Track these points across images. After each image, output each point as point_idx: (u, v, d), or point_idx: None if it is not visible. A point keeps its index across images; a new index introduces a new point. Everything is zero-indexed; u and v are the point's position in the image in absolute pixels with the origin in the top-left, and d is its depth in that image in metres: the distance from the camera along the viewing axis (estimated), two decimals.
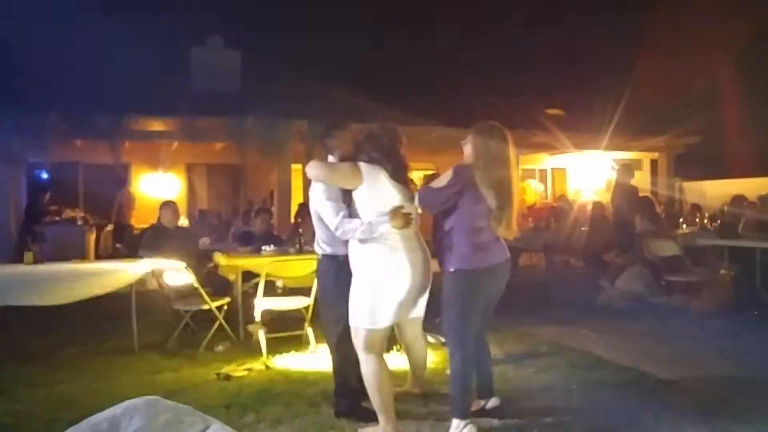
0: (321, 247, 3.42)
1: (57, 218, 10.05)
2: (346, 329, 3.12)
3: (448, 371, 3.67)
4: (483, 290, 3.12)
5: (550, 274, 8.96)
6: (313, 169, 3.19)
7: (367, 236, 3.00)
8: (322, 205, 3.20)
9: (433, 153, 11.23)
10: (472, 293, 3.08)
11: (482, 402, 3.36)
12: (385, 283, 3.01)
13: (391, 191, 3.07)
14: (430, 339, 4.31)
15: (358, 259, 3.09)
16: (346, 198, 3.15)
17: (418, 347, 3.52)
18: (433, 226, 3.32)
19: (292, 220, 9.70)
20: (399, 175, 3.13)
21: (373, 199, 3.06)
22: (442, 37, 15.46)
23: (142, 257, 5.58)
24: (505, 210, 3.07)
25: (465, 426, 2.98)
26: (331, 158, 3.40)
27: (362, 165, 3.11)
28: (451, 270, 3.09)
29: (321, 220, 3.28)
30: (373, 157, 3.13)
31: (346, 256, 3.21)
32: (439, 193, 3.12)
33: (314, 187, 3.27)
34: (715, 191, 11.84)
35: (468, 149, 3.19)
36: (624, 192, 8.06)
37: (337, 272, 3.30)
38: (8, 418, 3.46)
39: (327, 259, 3.39)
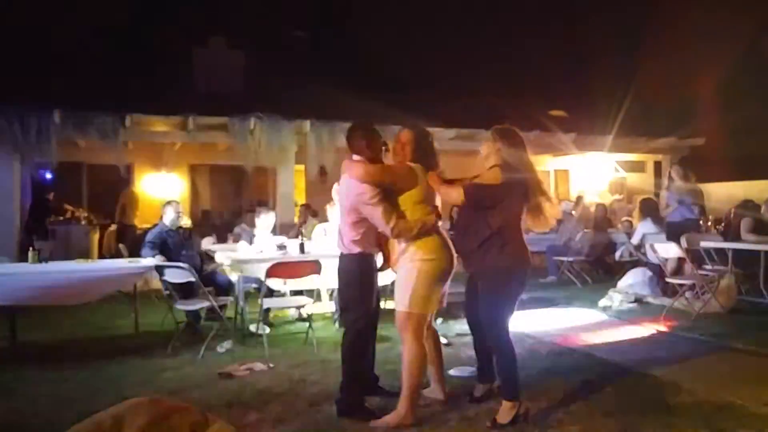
0: (347, 246, 3.39)
1: (61, 218, 10.08)
2: (366, 327, 3.17)
3: (451, 371, 3.73)
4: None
5: (552, 276, 8.95)
6: (360, 169, 3.20)
7: (422, 234, 3.18)
8: (369, 207, 3.19)
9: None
10: (521, 290, 3.35)
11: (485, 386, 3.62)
12: (439, 272, 3.20)
13: (432, 189, 3.30)
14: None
15: (412, 252, 3.21)
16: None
17: (433, 341, 3.54)
18: (457, 222, 3.56)
19: (295, 220, 9.72)
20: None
21: (424, 198, 3.24)
22: (444, 38, 15.45)
23: (145, 257, 5.60)
24: (541, 205, 3.31)
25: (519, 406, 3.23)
26: (356, 158, 3.36)
27: (416, 166, 3.25)
28: (504, 267, 3.24)
29: (357, 220, 3.29)
30: (423, 157, 3.30)
31: (371, 255, 3.41)
32: (490, 191, 3.23)
33: (356, 188, 3.23)
34: (719, 194, 11.80)
35: (490, 149, 3.35)
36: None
37: (363, 271, 3.36)
38: (13, 416, 3.48)
39: (353, 258, 3.37)
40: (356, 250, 3.35)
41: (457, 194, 3.24)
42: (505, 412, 3.20)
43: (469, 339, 5.07)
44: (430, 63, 14.28)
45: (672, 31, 14.08)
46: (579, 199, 11.41)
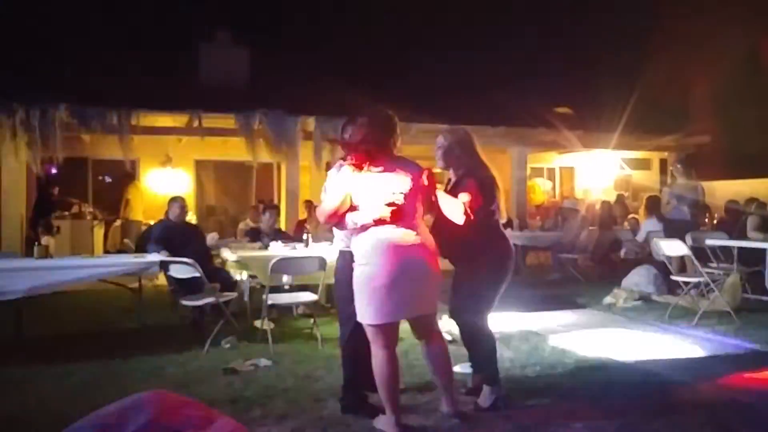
0: (343, 242, 3.39)
1: (66, 213, 10.12)
2: (359, 325, 3.10)
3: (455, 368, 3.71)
4: None
5: (556, 273, 8.94)
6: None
7: (358, 231, 3.12)
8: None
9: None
10: (506, 280, 3.46)
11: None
12: (369, 280, 2.99)
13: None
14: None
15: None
16: None
17: (431, 351, 3.18)
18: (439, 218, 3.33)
19: (300, 216, 9.74)
20: None
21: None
22: (449, 36, 15.40)
23: (149, 252, 5.61)
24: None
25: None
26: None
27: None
28: (498, 258, 3.38)
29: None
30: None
31: None
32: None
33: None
34: (725, 191, 11.74)
35: (448, 151, 3.47)
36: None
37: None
38: (17, 410, 3.50)
39: (347, 254, 3.31)
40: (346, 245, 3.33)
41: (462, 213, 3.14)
42: (486, 396, 3.36)
43: None
44: (434, 59, 14.22)
45: (679, 27, 13.99)
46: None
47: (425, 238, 3.06)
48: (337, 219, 3.10)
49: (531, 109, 10.54)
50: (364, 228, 3.00)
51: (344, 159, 3.18)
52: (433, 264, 3.04)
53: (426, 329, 3.16)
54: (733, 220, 7.93)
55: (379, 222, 2.96)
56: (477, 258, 3.38)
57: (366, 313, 3.00)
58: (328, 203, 3.12)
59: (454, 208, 3.11)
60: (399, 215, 2.96)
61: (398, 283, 2.93)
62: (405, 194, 2.99)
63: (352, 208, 3.05)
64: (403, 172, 3.02)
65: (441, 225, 3.25)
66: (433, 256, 3.07)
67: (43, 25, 12.11)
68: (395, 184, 2.99)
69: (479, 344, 3.44)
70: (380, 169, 3.00)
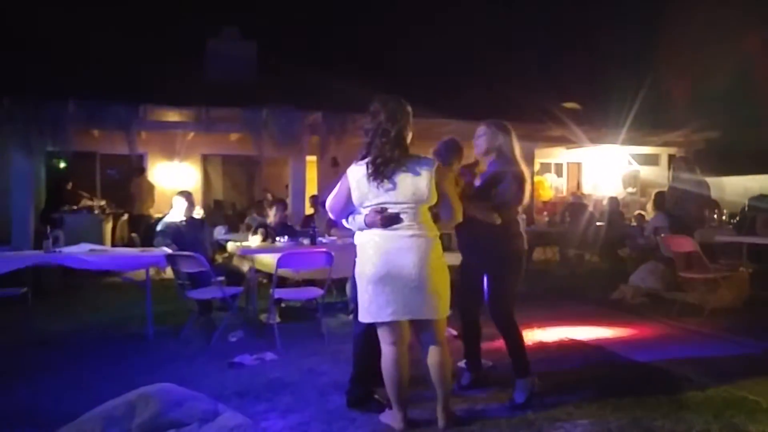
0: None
1: (75, 207, 10.18)
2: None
3: (459, 363, 3.72)
4: None
5: (564, 269, 8.92)
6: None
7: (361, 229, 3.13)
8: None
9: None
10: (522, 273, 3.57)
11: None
12: (363, 276, 3.02)
13: None
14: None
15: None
16: None
17: (431, 360, 3.05)
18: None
19: (306, 211, 9.76)
20: None
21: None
22: (457, 29, 15.35)
23: (157, 246, 5.65)
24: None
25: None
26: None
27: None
28: (513, 252, 3.47)
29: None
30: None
31: None
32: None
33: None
34: (734, 188, 11.64)
35: (492, 140, 3.51)
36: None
37: None
38: (27, 402, 3.53)
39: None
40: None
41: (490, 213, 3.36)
42: (519, 390, 3.39)
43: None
44: (442, 54, 14.18)
45: (688, 21, 13.85)
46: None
47: (431, 238, 2.97)
48: (344, 217, 3.12)
49: (539, 105, 10.49)
50: (361, 228, 3.02)
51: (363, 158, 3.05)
52: (434, 267, 2.93)
53: (427, 336, 3.04)
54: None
55: (372, 225, 2.93)
56: (502, 253, 3.46)
57: (360, 310, 3.04)
58: (332, 202, 3.14)
59: (484, 210, 3.30)
60: (393, 221, 2.90)
61: (390, 283, 2.89)
62: (407, 198, 2.90)
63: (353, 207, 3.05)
64: (411, 173, 2.91)
65: (465, 222, 3.28)
66: (438, 260, 2.97)
67: (52, 20, 12.17)
68: (400, 189, 2.90)
69: (512, 336, 3.49)
70: (390, 169, 2.90)
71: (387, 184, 2.90)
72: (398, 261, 2.90)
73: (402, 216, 2.92)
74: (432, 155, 3.43)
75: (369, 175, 2.92)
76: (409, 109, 3.06)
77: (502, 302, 3.47)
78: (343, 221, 3.16)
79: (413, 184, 2.91)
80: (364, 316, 3.02)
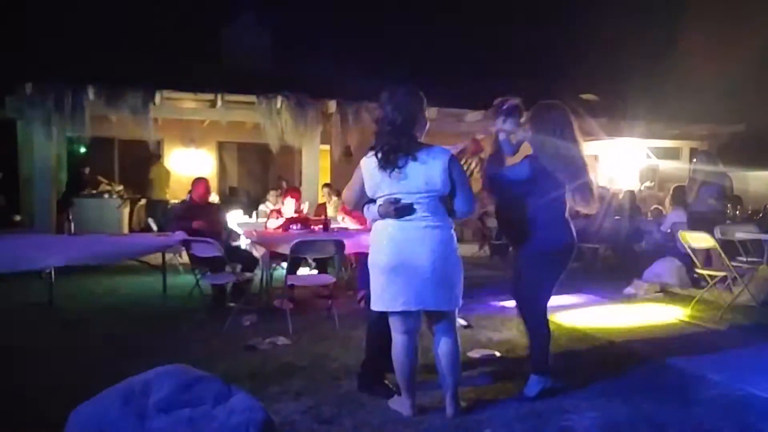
0: (370, 224, 3.40)
1: (93, 191, 10.33)
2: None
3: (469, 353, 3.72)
4: None
5: (577, 262, 8.85)
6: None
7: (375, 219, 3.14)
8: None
9: (459, 137, 11.15)
10: (562, 271, 3.40)
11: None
12: (375, 265, 3.03)
13: None
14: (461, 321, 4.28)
15: None
16: None
17: (440, 350, 3.05)
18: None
19: (319, 199, 9.79)
20: None
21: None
22: (474, 20, 15.22)
23: (173, 231, 5.72)
24: None
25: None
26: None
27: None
28: (548, 248, 3.32)
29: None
30: None
31: None
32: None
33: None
34: (759, 183, 11.44)
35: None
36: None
37: None
38: (48, 379, 3.63)
39: None
40: None
41: None
42: (532, 384, 3.35)
43: (488, 323, 5.12)
44: (457, 44, 14.09)
45: (710, 10, 13.56)
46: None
47: (446, 229, 2.96)
48: (360, 207, 3.14)
49: (556, 96, 10.35)
50: (375, 218, 3.03)
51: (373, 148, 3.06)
52: (447, 258, 2.93)
53: (439, 326, 3.04)
54: None
55: (386, 216, 2.93)
56: (538, 242, 3.32)
57: (373, 298, 3.06)
58: (348, 192, 3.17)
59: None
60: (407, 211, 2.90)
61: (402, 274, 2.89)
62: (420, 189, 2.89)
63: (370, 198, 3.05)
64: (422, 163, 2.88)
65: (504, 210, 3.33)
66: (452, 253, 2.96)
67: (71, 8, 12.27)
68: (412, 179, 2.89)
69: (537, 333, 3.41)
70: (400, 159, 2.88)
71: (398, 174, 2.90)
72: (411, 251, 2.91)
73: (415, 206, 2.91)
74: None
75: (380, 165, 2.92)
76: (422, 96, 3.03)
77: (530, 298, 3.43)
78: (364, 211, 3.17)
79: (425, 174, 2.89)
80: (377, 304, 3.04)
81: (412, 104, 2.98)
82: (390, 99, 2.97)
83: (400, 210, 2.90)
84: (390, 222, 2.95)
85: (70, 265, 4.89)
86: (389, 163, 2.90)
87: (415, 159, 2.90)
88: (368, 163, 3.00)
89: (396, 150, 2.90)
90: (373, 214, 3.04)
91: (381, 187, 2.95)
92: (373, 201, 3.05)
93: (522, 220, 3.31)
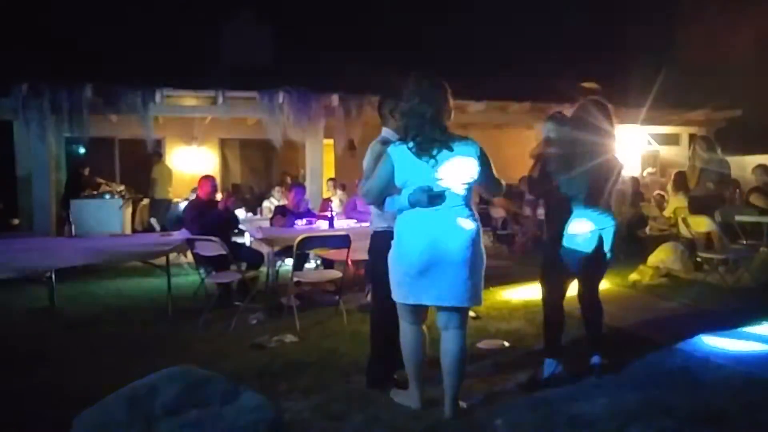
0: (374, 222, 3.42)
1: (95, 192, 10.32)
2: (393, 304, 3.05)
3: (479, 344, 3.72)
4: None
5: None
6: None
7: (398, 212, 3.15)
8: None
9: (465, 128, 11.11)
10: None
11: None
12: (398, 258, 2.99)
13: None
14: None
15: None
16: None
17: (447, 342, 2.98)
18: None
19: (324, 195, 9.78)
20: None
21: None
22: (475, 9, 15.11)
23: (179, 230, 5.72)
24: None
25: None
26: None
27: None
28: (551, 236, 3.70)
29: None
30: None
31: None
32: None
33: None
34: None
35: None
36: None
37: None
38: (51, 382, 3.64)
39: (381, 234, 3.32)
40: (383, 225, 3.34)
41: None
42: (544, 367, 3.56)
43: (498, 313, 5.12)
44: (458, 34, 13.99)
45: None
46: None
47: (476, 220, 2.95)
48: (381, 200, 3.06)
49: (557, 84, 10.32)
50: (401, 210, 2.98)
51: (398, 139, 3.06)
52: (476, 251, 2.90)
53: (449, 320, 2.96)
54: None
55: (417, 204, 2.88)
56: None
57: (393, 291, 3.01)
58: (370, 184, 3.07)
59: None
60: (439, 199, 2.88)
61: (424, 268, 2.86)
62: (453, 178, 2.89)
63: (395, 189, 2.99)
64: (457, 153, 2.89)
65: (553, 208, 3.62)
66: (480, 244, 2.95)
67: (68, 5, 12.22)
68: (446, 169, 2.88)
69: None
70: (434, 149, 2.87)
71: (432, 163, 2.88)
72: (443, 241, 2.86)
73: (447, 195, 2.90)
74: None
75: (415, 154, 2.89)
76: (446, 85, 3.01)
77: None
78: (387, 203, 3.06)
79: (459, 164, 2.89)
80: (395, 296, 3.00)
81: (440, 95, 2.97)
82: (417, 91, 2.95)
83: (433, 198, 2.87)
84: (422, 211, 2.90)
85: (72, 266, 4.89)
86: (424, 152, 2.88)
87: (450, 149, 2.89)
88: (400, 152, 2.93)
89: (431, 141, 2.89)
90: (399, 204, 2.97)
91: (414, 176, 2.90)
92: (397, 192, 2.99)
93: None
